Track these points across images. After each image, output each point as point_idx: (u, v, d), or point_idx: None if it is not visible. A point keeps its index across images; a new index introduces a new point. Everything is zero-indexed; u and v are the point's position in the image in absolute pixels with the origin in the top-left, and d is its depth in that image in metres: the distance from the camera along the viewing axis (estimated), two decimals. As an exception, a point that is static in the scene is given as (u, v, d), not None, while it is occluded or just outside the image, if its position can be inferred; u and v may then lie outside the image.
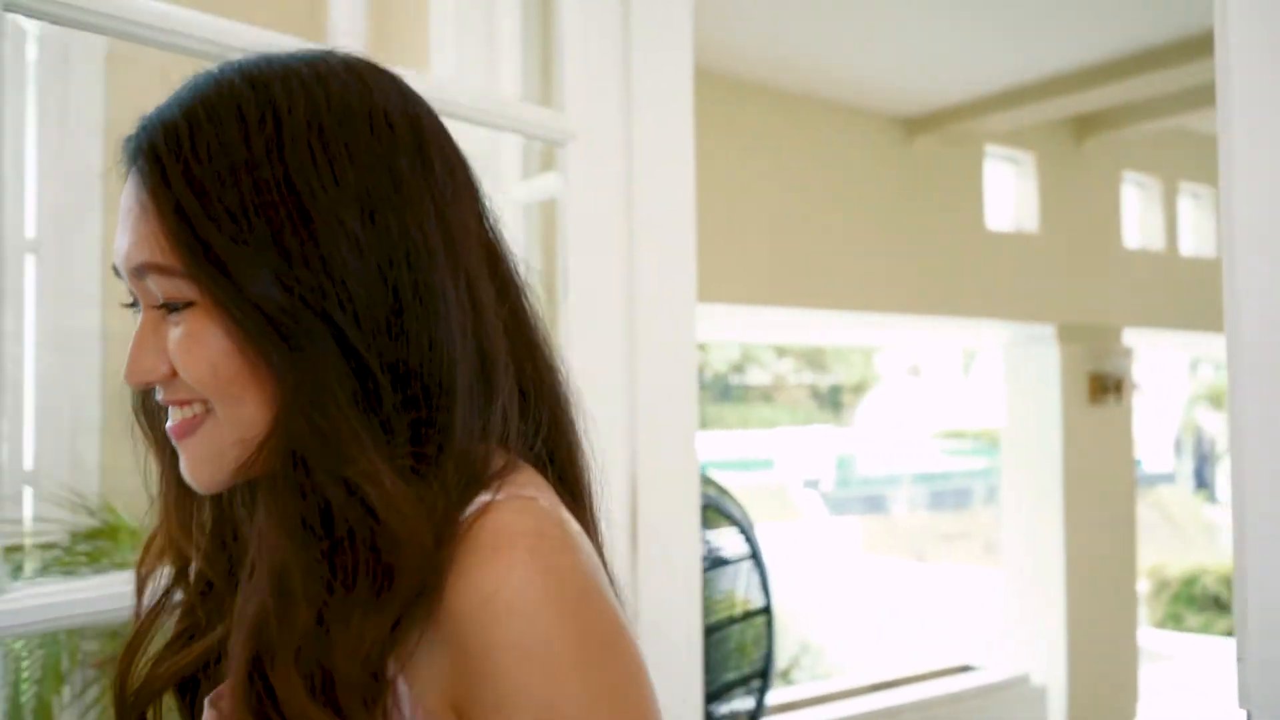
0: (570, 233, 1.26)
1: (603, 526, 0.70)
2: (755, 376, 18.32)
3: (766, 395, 18.92)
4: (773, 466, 16.85)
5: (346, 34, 1.06)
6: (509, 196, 1.67)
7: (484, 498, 0.58)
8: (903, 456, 18.35)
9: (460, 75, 1.65)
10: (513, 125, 1.29)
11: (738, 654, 2.88)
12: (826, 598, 10.79)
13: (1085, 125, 4.43)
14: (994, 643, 4.99)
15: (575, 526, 0.60)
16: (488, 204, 0.66)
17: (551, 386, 0.67)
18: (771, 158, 3.61)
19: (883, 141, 3.95)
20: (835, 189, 3.80)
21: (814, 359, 18.14)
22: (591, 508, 0.69)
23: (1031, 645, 4.47)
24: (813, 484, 17.34)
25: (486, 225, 0.65)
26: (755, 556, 2.98)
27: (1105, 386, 4.51)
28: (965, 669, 4.36)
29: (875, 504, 17.78)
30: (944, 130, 3.94)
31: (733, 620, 2.85)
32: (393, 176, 0.59)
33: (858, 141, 3.88)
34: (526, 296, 0.67)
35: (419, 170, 0.60)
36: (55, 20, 0.92)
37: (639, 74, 1.31)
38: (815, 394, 19.90)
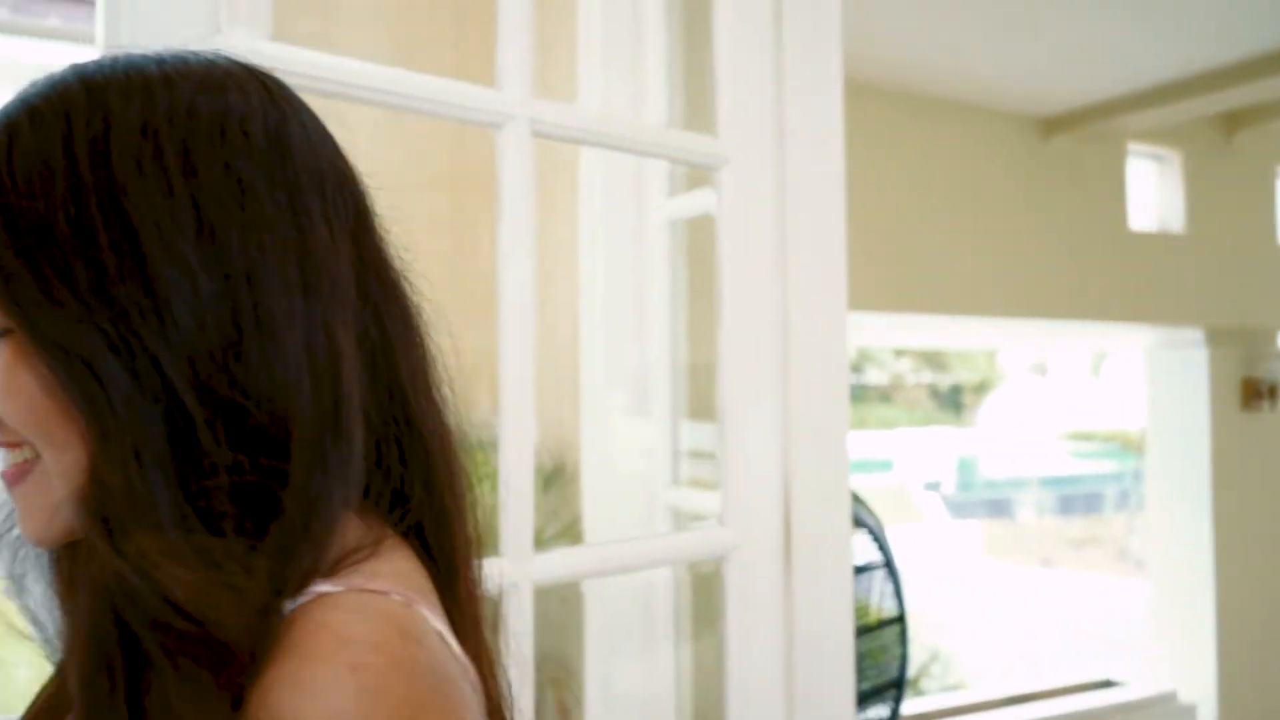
0: (725, 251, 1.30)
1: (482, 608, 0.60)
2: (873, 376, 18.03)
3: (884, 395, 18.61)
4: (891, 468, 16.57)
5: (517, 74, 1.11)
6: (656, 215, 1.72)
7: (320, 587, 0.48)
8: (1028, 458, 17.79)
9: (608, 103, 1.71)
10: (666, 153, 1.33)
11: (870, 663, 2.86)
12: (952, 603, 10.54)
13: (1237, 120, 4.22)
14: (1138, 657, 4.80)
15: (430, 631, 0.49)
16: (374, 227, 0.59)
17: (425, 442, 0.57)
18: (902, 162, 3.57)
19: (1017, 142, 3.85)
20: (969, 192, 3.72)
21: (933, 358, 17.74)
22: (466, 587, 0.58)
23: (1179, 661, 4.29)
24: (933, 486, 16.97)
25: (366, 252, 0.57)
26: (888, 564, 2.96)
27: (1259, 392, 4.29)
28: (1107, 684, 4.21)
29: (999, 507, 17.29)
30: (1083, 129, 3.82)
31: (867, 629, 2.83)
32: (240, 190, 0.51)
33: (991, 143, 3.79)
34: (418, 338, 0.59)
35: (276, 185, 0.52)
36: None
37: (790, 95, 1.33)
38: (935, 394, 19.46)
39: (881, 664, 2.90)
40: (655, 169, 1.67)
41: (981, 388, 19.61)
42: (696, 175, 1.66)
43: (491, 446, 2.10)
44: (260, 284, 0.50)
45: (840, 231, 1.37)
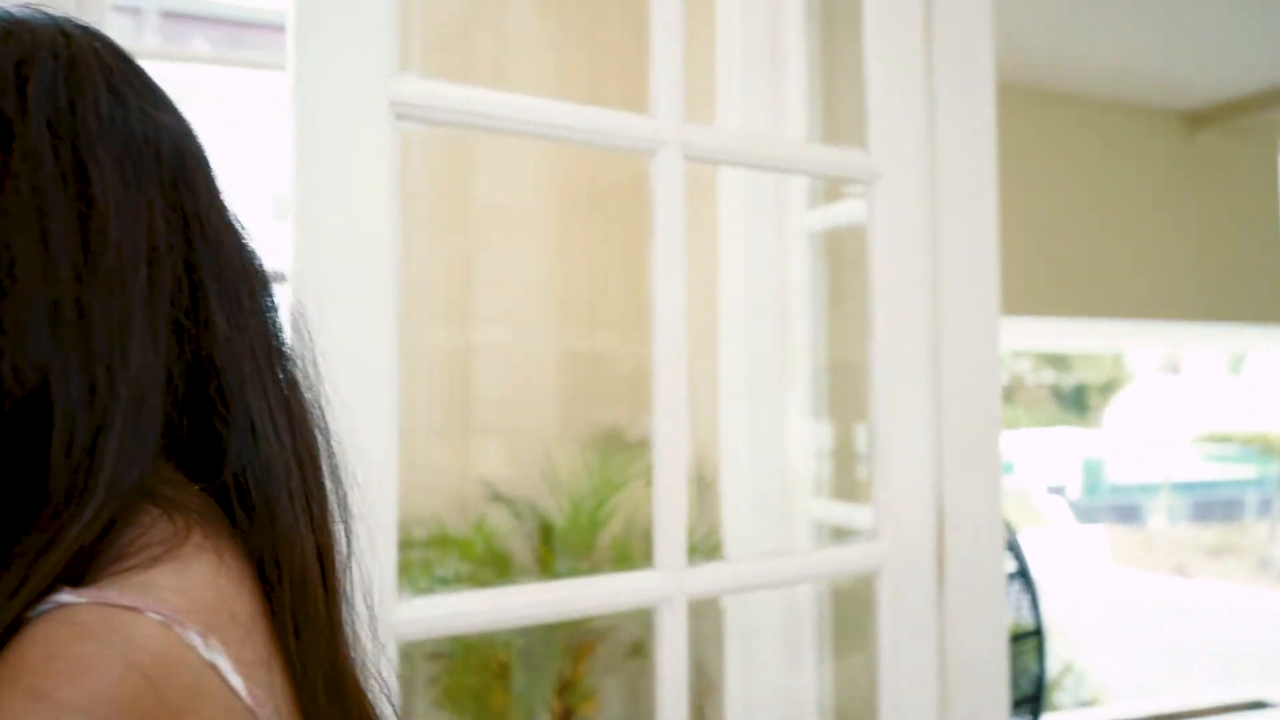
0: (877, 264, 1.30)
1: (334, 636, 0.51)
2: (992, 376, 17.43)
3: (1005, 395, 18.02)
4: (1012, 471, 16.05)
5: (668, 101, 1.14)
6: (796, 225, 1.72)
7: (63, 596, 0.40)
8: (1158, 461, 16.99)
9: (746, 108, 1.72)
10: (817, 170, 1.34)
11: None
12: (1081, 613, 10.14)
13: (1400, 107, 3.95)
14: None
15: (190, 664, 0.41)
16: (201, 186, 0.53)
17: (254, 424, 0.50)
18: (1038, 161, 3.46)
19: (1160, 138, 3.69)
20: (1108, 192, 3.59)
21: (1055, 357, 17.10)
22: (298, 602, 0.49)
23: (1338, 682, 4.04)
24: (1057, 490, 16.38)
25: (186, 209, 0.51)
26: (1024, 574, 2.88)
27: None
28: (1259, 705, 3.99)
29: (1127, 513, 16.57)
30: (1232, 123, 3.64)
31: (1001, 642, 2.76)
32: (5, 135, 0.47)
33: (1132, 140, 3.65)
34: (253, 306, 0.52)
35: (57, 134, 0.48)
36: (438, 124, 1.04)
37: (942, 106, 1.33)
38: (1057, 394, 18.78)
39: (1016, 678, 2.83)
40: (796, 180, 1.68)
41: (1108, 387, 18.82)
42: (834, 190, 1.66)
43: (641, 448, 2.14)
44: (19, 238, 0.45)
45: (992, 238, 1.36)
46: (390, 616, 0.97)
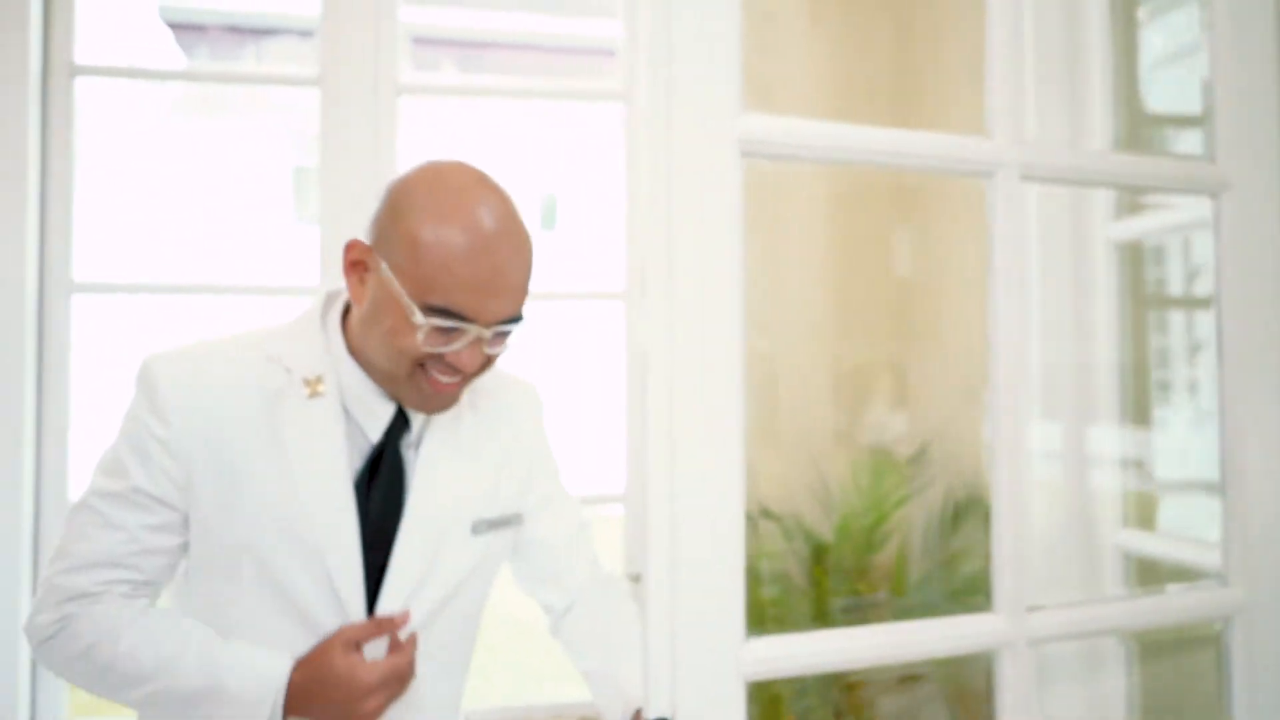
0: (1227, 278, 1.22)
1: None
2: None
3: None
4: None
5: (1005, 122, 1.09)
6: (1099, 236, 1.62)
7: None
8: None
9: (1043, 131, 1.64)
10: (1158, 184, 1.25)
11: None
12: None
13: None
14: None
15: None
16: None
17: None
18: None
19: None
20: None
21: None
22: None
23: None
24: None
25: None
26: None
27: None
28: None
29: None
30: None
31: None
32: None
33: None
34: None
35: None
36: (779, 159, 1.03)
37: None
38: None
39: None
40: (1101, 196, 1.59)
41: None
42: (1132, 202, 1.57)
43: (912, 466, 2.08)
44: None
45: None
46: (740, 655, 0.97)
